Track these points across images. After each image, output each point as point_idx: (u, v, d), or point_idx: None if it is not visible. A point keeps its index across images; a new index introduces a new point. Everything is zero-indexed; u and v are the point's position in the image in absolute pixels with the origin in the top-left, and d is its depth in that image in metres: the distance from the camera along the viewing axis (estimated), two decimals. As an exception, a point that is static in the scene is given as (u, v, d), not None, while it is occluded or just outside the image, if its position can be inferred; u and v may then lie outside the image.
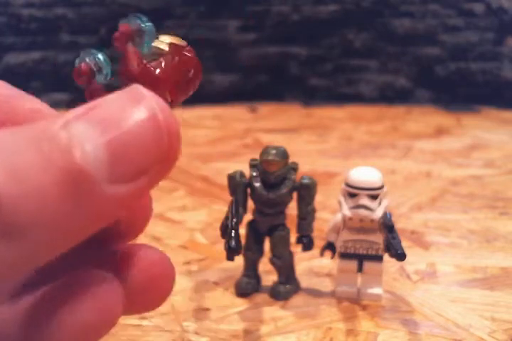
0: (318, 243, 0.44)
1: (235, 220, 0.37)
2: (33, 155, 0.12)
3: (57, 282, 0.17)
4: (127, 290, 0.17)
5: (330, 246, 0.44)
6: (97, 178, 0.13)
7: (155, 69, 0.17)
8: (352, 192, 0.41)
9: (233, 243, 0.35)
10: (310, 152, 0.83)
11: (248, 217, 0.44)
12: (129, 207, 0.15)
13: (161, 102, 0.14)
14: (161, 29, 0.18)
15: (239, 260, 0.42)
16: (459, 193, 0.66)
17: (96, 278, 0.16)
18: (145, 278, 0.18)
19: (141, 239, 0.50)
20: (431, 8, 1.14)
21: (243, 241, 0.41)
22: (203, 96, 1.15)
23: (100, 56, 0.18)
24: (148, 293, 0.18)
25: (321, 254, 0.44)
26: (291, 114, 1.09)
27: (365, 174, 0.41)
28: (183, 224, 0.57)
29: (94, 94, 0.18)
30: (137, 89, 0.14)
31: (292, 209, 0.43)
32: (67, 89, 1.09)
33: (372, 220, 0.41)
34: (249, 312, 0.42)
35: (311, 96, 1.18)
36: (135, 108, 0.13)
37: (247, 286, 0.44)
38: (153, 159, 0.14)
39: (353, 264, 0.43)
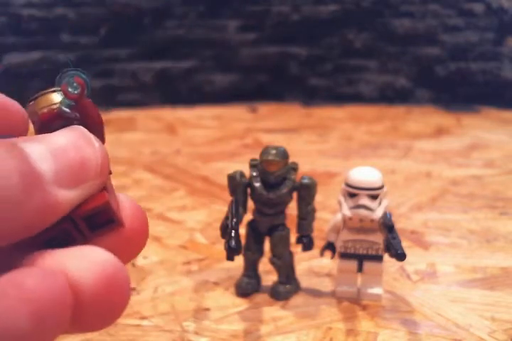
0: (318, 243, 0.44)
1: (235, 220, 0.37)
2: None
3: None
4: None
5: (330, 246, 0.44)
6: (46, 179, 0.16)
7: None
8: (352, 192, 0.41)
9: (233, 243, 0.35)
10: (310, 152, 0.83)
11: (248, 217, 0.44)
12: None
13: (100, 142, 0.18)
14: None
15: (239, 260, 0.42)
16: (459, 193, 0.66)
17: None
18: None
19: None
20: (431, 8, 1.14)
21: (243, 241, 0.41)
22: (203, 96, 1.16)
23: (83, 75, 0.20)
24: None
25: (321, 254, 0.44)
26: (291, 114, 1.09)
27: (365, 174, 0.41)
28: (183, 224, 0.57)
29: (89, 107, 0.20)
30: (81, 129, 0.18)
31: (292, 209, 0.43)
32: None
33: (372, 220, 0.41)
34: (249, 312, 0.42)
35: (311, 96, 1.18)
36: (83, 146, 0.17)
37: (247, 286, 0.44)
38: (91, 175, 0.17)
39: (353, 264, 0.43)
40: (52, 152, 0.16)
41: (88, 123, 0.20)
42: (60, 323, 0.15)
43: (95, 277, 0.16)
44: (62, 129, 0.18)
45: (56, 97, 0.20)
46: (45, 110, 0.20)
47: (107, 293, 0.16)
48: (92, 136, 0.18)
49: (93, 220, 0.18)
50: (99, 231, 0.18)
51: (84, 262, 0.16)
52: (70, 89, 0.19)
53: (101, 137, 0.20)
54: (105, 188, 0.19)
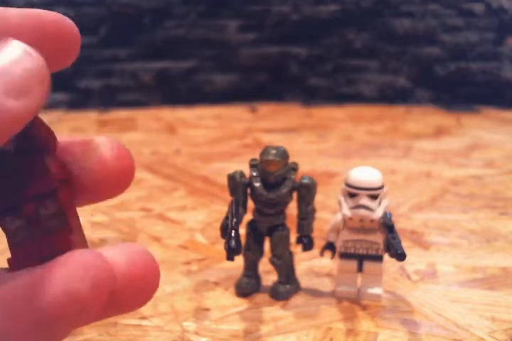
0: (318, 243, 0.44)
1: (235, 220, 0.37)
2: None
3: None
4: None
5: (330, 246, 0.44)
6: None
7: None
8: (352, 192, 0.41)
9: (233, 243, 0.35)
10: (310, 152, 0.83)
11: (248, 217, 0.44)
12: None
13: (38, 54, 0.18)
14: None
15: (239, 260, 0.42)
16: (459, 193, 0.66)
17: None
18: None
19: (141, 239, 0.50)
20: (431, 8, 1.14)
21: (243, 241, 0.41)
22: (203, 96, 1.16)
23: None
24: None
25: (321, 254, 0.44)
26: (291, 114, 1.09)
27: (365, 174, 0.41)
28: (183, 224, 0.57)
29: (37, 122, 0.20)
30: (16, 42, 0.18)
31: (292, 209, 0.43)
32: (67, 89, 1.09)
33: (372, 220, 0.41)
34: (249, 312, 0.42)
35: (311, 96, 1.18)
36: (25, 58, 0.18)
37: (247, 286, 0.44)
38: (34, 83, 0.18)
39: (353, 264, 0.43)
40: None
41: (38, 137, 0.20)
42: (108, 292, 0.17)
43: (129, 260, 0.18)
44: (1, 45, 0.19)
45: None
46: None
47: (140, 275, 0.18)
48: (28, 47, 0.18)
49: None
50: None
51: (117, 249, 0.19)
52: None
53: (53, 150, 0.20)
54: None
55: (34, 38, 0.19)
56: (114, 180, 0.21)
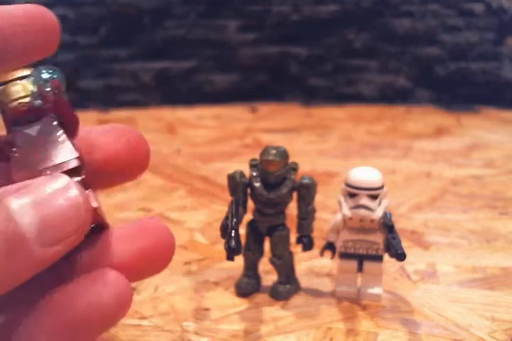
0: (318, 243, 0.44)
1: (235, 220, 0.37)
2: None
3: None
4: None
5: (330, 246, 0.44)
6: (30, 240, 0.16)
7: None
8: (352, 192, 0.41)
9: (233, 243, 0.35)
10: (310, 152, 0.83)
11: (248, 217, 0.43)
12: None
13: (82, 189, 0.18)
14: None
15: (239, 260, 0.42)
16: (459, 193, 0.66)
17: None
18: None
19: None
20: (431, 8, 1.14)
21: (243, 241, 0.41)
22: (203, 96, 1.15)
23: (58, 74, 0.19)
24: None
25: (321, 254, 0.44)
26: (291, 114, 1.09)
27: (365, 174, 0.41)
28: (183, 224, 0.57)
29: (64, 106, 0.20)
30: (65, 178, 0.18)
31: (292, 209, 0.43)
32: (67, 89, 1.09)
33: (372, 220, 0.41)
34: (249, 312, 0.42)
35: (311, 96, 1.17)
36: (63, 193, 0.18)
37: (247, 286, 0.44)
38: (73, 229, 0.17)
39: (353, 264, 0.43)
40: (36, 206, 0.17)
41: (64, 120, 0.20)
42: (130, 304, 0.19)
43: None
44: (47, 178, 0.18)
45: (25, 87, 0.19)
46: (15, 104, 0.19)
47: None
48: (77, 187, 0.18)
49: None
50: None
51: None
52: (46, 89, 0.19)
53: (74, 135, 0.20)
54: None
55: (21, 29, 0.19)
56: (127, 169, 0.22)
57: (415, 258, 0.49)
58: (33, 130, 0.19)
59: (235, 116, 1.07)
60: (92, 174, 0.20)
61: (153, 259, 0.21)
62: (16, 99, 0.19)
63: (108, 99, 1.11)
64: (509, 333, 0.38)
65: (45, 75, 0.19)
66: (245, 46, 1.16)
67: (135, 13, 1.12)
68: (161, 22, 1.13)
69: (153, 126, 1.00)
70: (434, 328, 0.39)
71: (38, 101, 0.19)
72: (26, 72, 0.20)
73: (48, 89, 0.19)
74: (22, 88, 0.19)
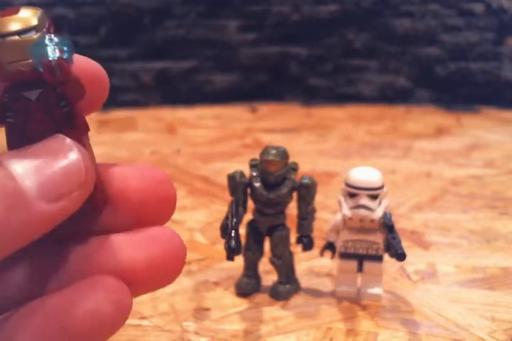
0: (318, 243, 0.44)
1: (235, 220, 0.37)
2: None
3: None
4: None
5: (330, 246, 0.44)
6: (31, 196, 0.16)
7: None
8: (352, 192, 0.41)
9: (233, 243, 0.35)
10: (310, 152, 0.83)
11: (248, 217, 0.43)
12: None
13: (83, 149, 0.18)
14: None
15: (239, 260, 0.42)
16: (459, 193, 0.66)
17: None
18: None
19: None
20: (431, 8, 1.14)
21: (243, 241, 0.41)
22: (203, 96, 1.15)
23: (67, 44, 0.17)
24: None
25: (321, 254, 0.44)
26: (291, 114, 1.09)
27: (365, 174, 0.41)
28: (183, 224, 0.57)
29: (78, 87, 0.19)
30: (64, 139, 0.18)
31: (292, 209, 0.43)
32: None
33: (372, 220, 0.41)
34: (249, 312, 0.42)
35: (311, 96, 1.17)
36: (63, 152, 0.18)
37: (247, 286, 0.44)
38: (75, 184, 0.17)
39: (353, 264, 0.43)
40: (36, 167, 0.17)
41: (70, 97, 0.18)
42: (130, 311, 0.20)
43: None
44: (44, 141, 0.18)
45: (28, 48, 0.17)
46: (16, 67, 0.17)
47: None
48: (74, 144, 0.18)
49: None
50: None
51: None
52: (55, 71, 0.17)
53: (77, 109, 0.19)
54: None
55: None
56: (150, 210, 0.20)
57: (415, 258, 0.49)
58: (32, 94, 0.18)
59: (235, 116, 1.07)
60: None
61: (164, 270, 0.20)
62: (16, 61, 0.17)
63: (108, 99, 1.11)
64: (509, 333, 0.38)
65: (55, 51, 0.17)
66: (245, 46, 1.16)
67: (135, 13, 1.12)
68: (161, 22, 1.13)
69: (153, 126, 1.00)
70: (434, 328, 0.39)
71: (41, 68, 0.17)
72: (33, 19, 0.17)
73: (55, 68, 0.17)
74: (24, 47, 0.17)
